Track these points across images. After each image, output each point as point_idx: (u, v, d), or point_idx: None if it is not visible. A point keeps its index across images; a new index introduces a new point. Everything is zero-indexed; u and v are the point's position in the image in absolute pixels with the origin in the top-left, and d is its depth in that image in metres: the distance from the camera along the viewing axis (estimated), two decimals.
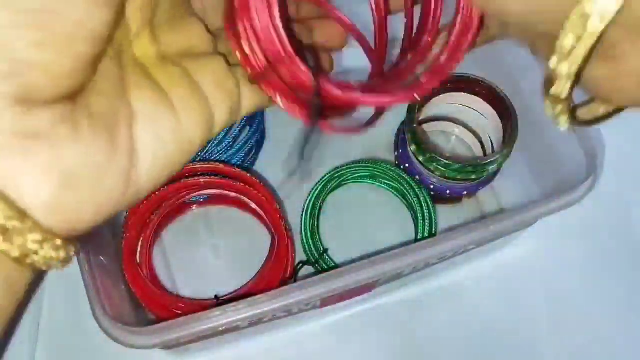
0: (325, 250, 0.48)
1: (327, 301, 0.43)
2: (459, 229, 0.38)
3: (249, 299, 0.34)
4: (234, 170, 0.47)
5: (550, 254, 0.52)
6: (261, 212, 0.48)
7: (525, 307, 0.50)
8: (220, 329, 0.34)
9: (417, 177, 0.49)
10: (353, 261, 0.41)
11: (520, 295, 0.51)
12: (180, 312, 0.44)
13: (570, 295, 0.50)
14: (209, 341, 0.42)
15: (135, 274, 0.44)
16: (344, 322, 0.48)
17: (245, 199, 0.48)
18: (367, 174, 0.51)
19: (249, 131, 0.50)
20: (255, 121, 0.51)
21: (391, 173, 0.50)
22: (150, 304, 0.44)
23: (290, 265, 0.47)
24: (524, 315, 0.50)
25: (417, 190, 0.49)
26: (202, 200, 0.50)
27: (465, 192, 0.49)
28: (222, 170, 0.47)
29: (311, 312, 0.44)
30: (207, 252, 0.50)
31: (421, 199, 0.49)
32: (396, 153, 0.51)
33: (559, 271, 0.51)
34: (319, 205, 0.49)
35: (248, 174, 0.47)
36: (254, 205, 0.48)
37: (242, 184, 0.47)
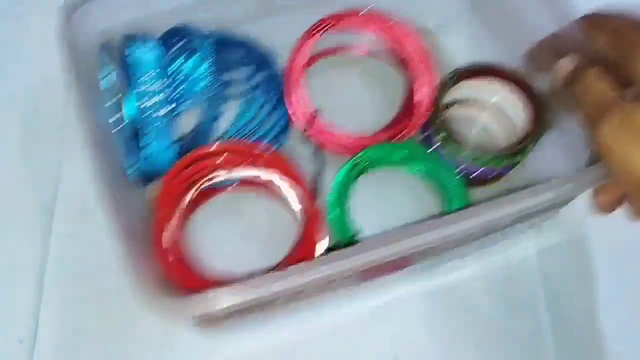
0: (355, 234, 0.47)
1: (366, 274, 0.42)
2: (501, 197, 0.37)
3: (297, 264, 0.34)
4: (263, 152, 0.47)
5: (550, 254, 0.51)
6: (292, 195, 0.47)
7: (525, 307, 0.50)
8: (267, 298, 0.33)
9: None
10: None
11: (520, 295, 0.50)
12: None
13: (570, 295, 0.50)
14: (242, 323, 0.41)
15: (165, 255, 0.43)
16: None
17: (275, 181, 0.47)
18: (398, 156, 0.50)
19: (275, 115, 0.50)
20: (282, 105, 0.51)
21: (421, 154, 0.50)
22: (181, 286, 0.43)
23: (320, 249, 0.46)
24: (524, 315, 0.49)
25: (448, 172, 0.49)
26: (232, 183, 0.49)
27: (495, 174, 0.49)
28: (251, 153, 0.47)
29: (343, 300, 0.43)
30: (236, 235, 0.49)
31: (452, 181, 0.48)
32: (421, 136, 0.51)
33: (559, 271, 0.51)
34: (348, 187, 0.49)
35: (279, 155, 0.47)
36: (284, 188, 0.47)
37: (271, 166, 0.46)
